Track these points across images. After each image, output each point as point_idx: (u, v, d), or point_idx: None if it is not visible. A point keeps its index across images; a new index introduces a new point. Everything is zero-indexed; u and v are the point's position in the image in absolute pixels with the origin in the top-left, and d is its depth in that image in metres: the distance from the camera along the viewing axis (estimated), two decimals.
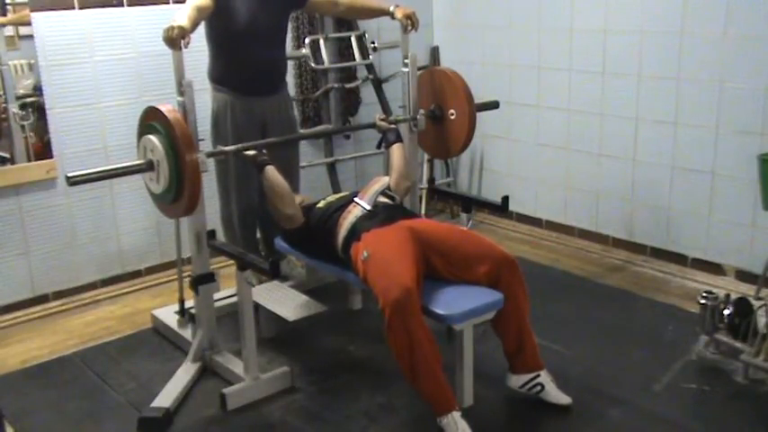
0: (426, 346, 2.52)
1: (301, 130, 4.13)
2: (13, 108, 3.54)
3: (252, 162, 3.01)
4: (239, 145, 3.04)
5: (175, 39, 2.74)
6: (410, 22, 3.39)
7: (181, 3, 3.03)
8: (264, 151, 3.01)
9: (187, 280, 3.13)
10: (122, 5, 3.77)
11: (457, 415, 2.55)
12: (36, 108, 3.61)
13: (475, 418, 2.74)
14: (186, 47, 2.79)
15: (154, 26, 3.73)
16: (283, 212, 3.03)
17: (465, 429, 2.54)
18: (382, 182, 3.15)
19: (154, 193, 2.80)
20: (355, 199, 3.02)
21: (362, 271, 2.71)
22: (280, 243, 3.43)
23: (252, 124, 3.33)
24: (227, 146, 3.07)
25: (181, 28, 2.74)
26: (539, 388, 2.79)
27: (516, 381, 2.81)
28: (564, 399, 2.79)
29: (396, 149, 3.33)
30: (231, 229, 3.56)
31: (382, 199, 3.06)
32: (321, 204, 3.11)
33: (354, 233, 2.86)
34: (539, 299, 2.95)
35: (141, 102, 3.53)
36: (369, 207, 2.97)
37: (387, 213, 2.93)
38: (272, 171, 2.98)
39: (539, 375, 2.79)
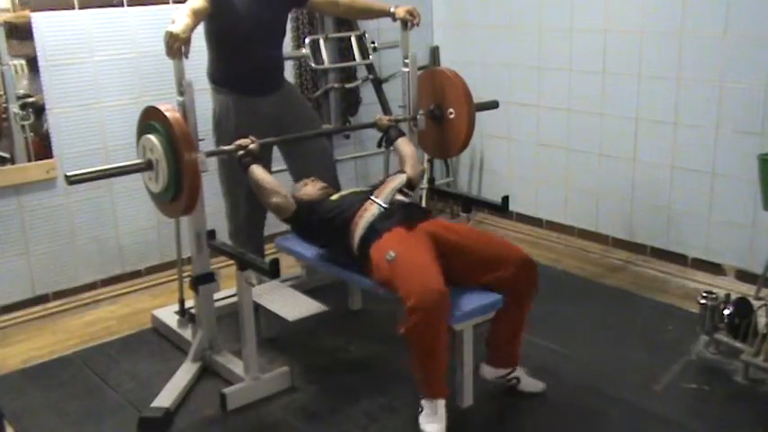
0: (444, 347, 2.56)
1: None
2: (14, 108, 3.54)
3: (237, 163, 3.00)
4: (239, 144, 3.03)
5: (177, 51, 2.75)
6: (411, 18, 3.39)
7: (180, 2, 3.03)
8: (252, 147, 2.97)
9: (187, 280, 3.14)
10: (122, 5, 3.77)
11: (441, 403, 2.59)
12: (36, 108, 3.61)
13: (475, 418, 2.75)
14: (187, 57, 2.80)
15: (154, 26, 3.74)
16: (268, 203, 2.98)
17: (442, 418, 2.58)
18: (399, 179, 3.08)
19: (153, 192, 2.80)
20: (371, 197, 2.96)
21: (387, 270, 2.65)
22: (281, 243, 3.44)
23: (257, 125, 3.29)
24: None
25: (183, 40, 2.75)
26: (515, 381, 2.86)
27: (493, 372, 2.87)
28: (539, 385, 2.87)
29: (401, 142, 3.31)
30: (239, 234, 3.54)
31: (399, 197, 3.00)
32: (335, 197, 3.06)
33: (373, 232, 2.79)
34: (539, 299, 2.94)
35: (141, 102, 3.53)
36: (386, 205, 2.90)
37: (404, 212, 2.88)
38: (255, 168, 2.95)
39: (515, 369, 2.86)
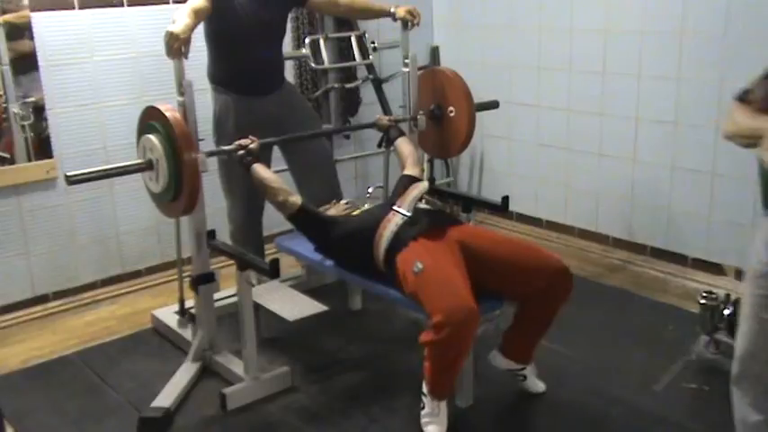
0: (465, 356, 2.58)
1: None
2: (14, 108, 3.54)
3: (239, 163, 2.98)
4: (239, 143, 3.03)
5: (177, 51, 2.75)
6: (412, 17, 3.39)
7: (180, 2, 3.03)
8: (252, 147, 2.96)
9: (187, 280, 3.14)
10: (122, 5, 3.77)
11: (443, 403, 2.60)
12: (35, 108, 3.60)
13: (475, 418, 2.75)
14: (186, 57, 2.80)
15: (154, 26, 3.74)
16: (273, 201, 2.95)
17: (444, 418, 2.59)
18: (420, 188, 3.01)
19: (153, 192, 2.80)
20: (394, 207, 2.88)
21: (413, 283, 2.58)
22: (281, 243, 3.43)
23: (257, 125, 3.28)
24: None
25: (183, 40, 2.75)
26: (522, 377, 2.86)
27: (505, 364, 2.86)
28: (540, 387, 2.88)
29: (401, 142, 3.29)
30: (239, 234, 3.54)
31: (421, 205, 2.96)
32: (357, 212, 3.03)
33: (399, 241, 2.72)
34: None
35: (141, 102, 3.52)
36: (409, 214, 2.83)
37: (429, 219, 2.82)
38: (257, 167, 2.93)
39: (526, 368, 2.85)
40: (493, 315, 2.77)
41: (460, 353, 2.51)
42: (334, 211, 3.09)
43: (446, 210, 3.92)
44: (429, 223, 2.78)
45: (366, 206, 3.12)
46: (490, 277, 2.66)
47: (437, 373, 2.54)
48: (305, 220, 2.96)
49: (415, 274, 2.57)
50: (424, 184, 3.06)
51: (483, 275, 2.63)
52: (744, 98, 2.09)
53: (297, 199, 2.93)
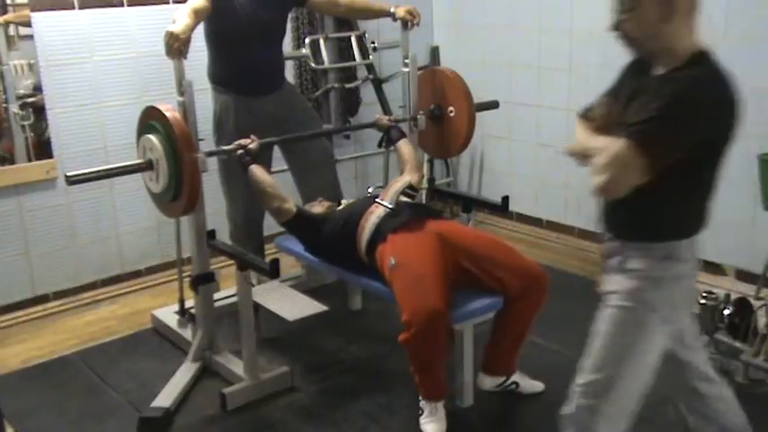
0: (441, 355, 2.58)
1: None
2: (14, 108, 3.53)
3: (237, 163, 2.98)
4: (239, 143, 3.03)
5: (176, 51, 2.75)
6: (412, 17, 3.40)
7: (181, 2, 3.03)
8: (251, 147, 2.96)
9: (187, 280, 3.14)
10: (122, 5, 3.77)
11: (440, 404, 2.63)
12: (36, 108, 3.60)
13: (475, 418, 2.75)
14: (185, 57, 2.80)
15: (154, 26, 3.74)
16: (268, 207, 2.98)
17: (442, 418, 2.61)
18: (403, 181, 3.07)
19: (153, 192, 2.80)
20: (377, 199, 2.94)
21: (388, 276, 2.65)
22: (281, 243, 3.43)
23: (257, 125, 3.28)
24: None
25: (182, 40, 2.75)
26: (514, 386, 2.87)
27: (492, 382, 2.86)
28: (538, 386, 2.89)
29: (403, 144, 3.30)
30: (239, 233, 3.54)
31: (404, 198, 3.00)
32: (341, 207, 3.06)
33: (379, 233, 2.77)
34: None
35: (141, 102, 3.52)
36: (391, 206, 2.88)
37: (410, 211, 2.86)
38: (255, 169, 2.94)
39: (511, 377, 2.86)
40: (492, 314, 2.77)
41: (433, 350, 2.53)
42: (318, 208, 3.11)
43: (447, 209, 3.93)
44: (410, 216, 2.82)
45: (350, 200, 3.14)
46: (467, 269, 2.69)
47: (418, 372, 2.59)
48: (298, 225, 3.01)
49: (390, 269, 2.63)
50: (406, 178, 3.09)
51: (460, 267, 2.67)
52: (585, 115, 2.09)
53: (291, 206, 2.96)
